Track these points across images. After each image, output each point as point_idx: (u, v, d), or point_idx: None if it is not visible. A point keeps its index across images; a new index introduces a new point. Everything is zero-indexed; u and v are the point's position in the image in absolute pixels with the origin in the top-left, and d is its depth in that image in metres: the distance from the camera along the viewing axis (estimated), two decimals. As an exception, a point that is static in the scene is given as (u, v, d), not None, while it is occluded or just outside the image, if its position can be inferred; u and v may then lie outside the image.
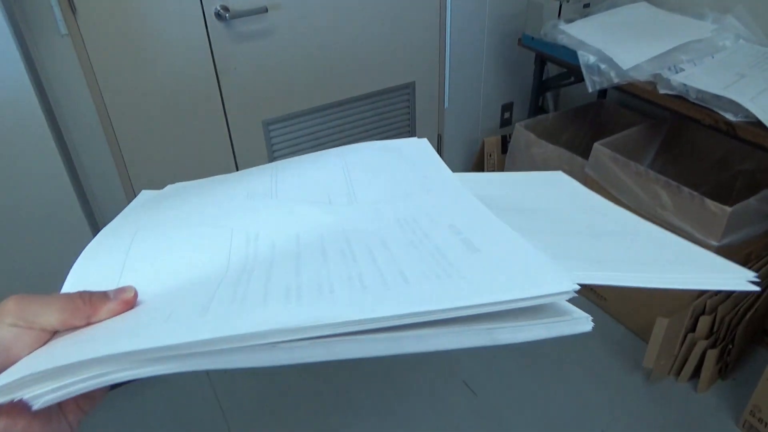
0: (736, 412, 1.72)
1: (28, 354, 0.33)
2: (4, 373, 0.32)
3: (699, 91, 1.62)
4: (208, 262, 0.41)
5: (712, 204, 1.63)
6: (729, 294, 1.74)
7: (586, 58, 1.85)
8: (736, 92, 1.54)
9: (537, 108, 2.36)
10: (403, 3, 2.06)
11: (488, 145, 2.49)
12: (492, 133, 2.59)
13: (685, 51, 1.79)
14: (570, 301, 0.32)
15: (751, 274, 0.39)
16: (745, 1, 1.87)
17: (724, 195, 1.96)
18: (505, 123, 2.63)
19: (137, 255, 0.42)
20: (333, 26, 1.95)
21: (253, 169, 0.57)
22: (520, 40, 2.16)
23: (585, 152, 2.01)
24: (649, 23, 1.95)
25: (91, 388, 0.31)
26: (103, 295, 0.36)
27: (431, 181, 0.51)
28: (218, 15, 1.70)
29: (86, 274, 0.40)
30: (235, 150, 1.97)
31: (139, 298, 0.37)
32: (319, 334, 0.31)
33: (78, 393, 0.31)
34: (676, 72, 1.72)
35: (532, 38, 2.07)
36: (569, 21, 1.97)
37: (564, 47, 1.92)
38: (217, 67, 1.79)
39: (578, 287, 0.32)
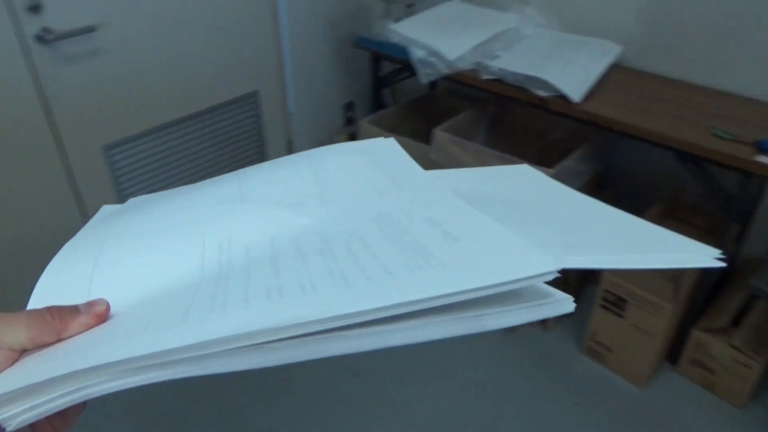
0: (580, 342, 2.01)
1: None
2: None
3: (514, 73, 1.86)
4: (181, 271, 0.39)
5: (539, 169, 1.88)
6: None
7: (416, 53, 2.02)
8: (544, 71, 1.79)
9: (377, 104, 2.50)
10: (236, 14, 2.08)
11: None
12: (339, 132, 2.69)
13: (499, 40, 2.03)
14: None
15: (716, 252, 0.40)
16: (539, -6, 2.17)
17: (547, 161, 2.25)
18: (350, 121, 2.75)
19: (106, 267, 0.40)
20: (166, 42, 1.91)
21: (220, 177, 0.55)
22: (355, 41, 2.28)
23: (426, 139, 2.18)
24: (465, 17, 2.18)
25: (69, 404, 0.30)
26: (73, 309, 0.34)
27: (403, 178, 0.50)
28: (40, 39, 1.58)
29: (52, 289, 0.38)
30: (77, 180, 1.84)
31: (112, 310, 0.35)
32: (305, 331, 0.30)
33: (55, 410, 0.29)
34: (493, 59, 1.95)
35: (366, 39, 2.20)
36: (397, 20, 2.13)
37: (395, 45, 2.08)
38: (47, 95, 1.66)
39: (561, 267, 0.32)
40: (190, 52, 1.99)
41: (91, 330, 0.34)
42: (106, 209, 0.52)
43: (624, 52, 2.03)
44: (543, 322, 2.09)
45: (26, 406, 0.29)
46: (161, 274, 0.39)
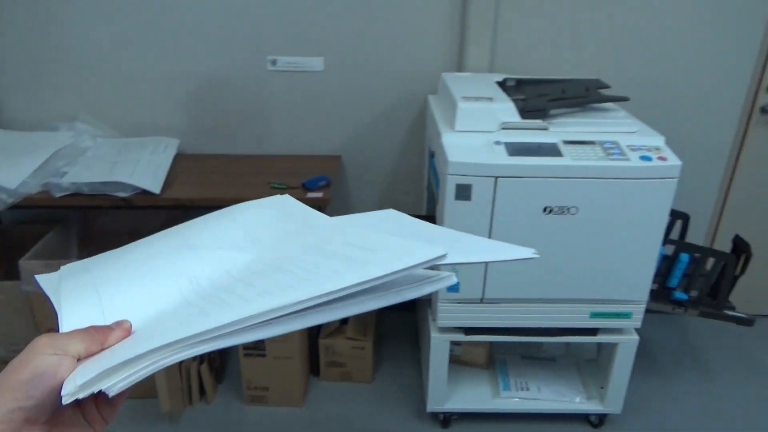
0: (241, 395, 2.20)
1: (69, 376, 0.42)
2: (77, 374, 0.41)
3: (88, 184, 1.93)
4: (167, 299, 0.52)
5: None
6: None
7: (-31, 190, 1.87)
8: (118, 175, 1.93)
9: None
10: None
11: None
12: None
13: (59, 157, 2.06)
14: None
15: (531, 250, 0.56)
16: (87, 109, 2.28)
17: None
18: None
19: (109, 301, 0.53)
20: None
21: (158, 234, 0.66)
22: None
23: (12, 275, 2.03)
24: (15, 145, 2.12)
25: (147, 375, 0.42)
26: (108, 327, 0.47)
27: (310, 221, 0.65)
28: None
29: (76, 318, 0.50)
30: None
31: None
32: (291, 310, 0.45)
33: (137, 381, 0.42)
34: (62, 176, 1.98)
35: None
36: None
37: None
38: None
39: (446, 252, 0.48)
40: None
41: (123, 340, 0.46)
42: (69, 267, 0.62)
43: (182, 143, 2.34)
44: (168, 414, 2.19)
45: (120, 377, 0.41)
46: (153, 303, 0.52)
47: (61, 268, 0.61)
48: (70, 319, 0.50)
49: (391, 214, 0.73)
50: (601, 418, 2.09)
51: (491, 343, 2.17)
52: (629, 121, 1.80)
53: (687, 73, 2.27)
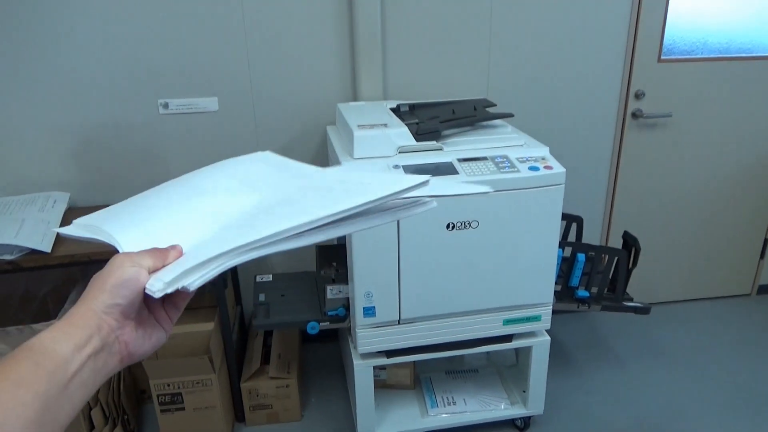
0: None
1: (151, 278, 0.53)
2: (162, 275, 0.53)
3: (-31, 250, 1.78)
4: (200, 232, 0.60)
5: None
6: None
7: None
8: (0, 236, 1.80)
9: None
10: None
11: None
12: None
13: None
14: None
15: (426, 177, 0.61)
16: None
17: (46, 315, 2.21)
18: None
19: (155, 233, 0.60)
20: None
21: (160, 186, 0.76)
22: None
23: None
24: None
25: (217, 273, 0.54)
26: (166, 249, 0.56)
27: (296, 170, 0.73)
28: None
29: (134, 241, 0.58)
30: None
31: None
32: (320, 223, 0.55)
33: (210, 278, 0.53)
34: (-63, 244, 1.81)
35: None
36: None
37: None
38: None
39: (429, 179, 0.59)
40: None
41: (181, 257, 0.56)
42: (93, 216, 0.68)
43: (74, 196, 2.22)
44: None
45: (198, 275, 0.53)
46: (189, 234, 0.60)
47: (82, 218, 0.67)
48: (128, 244, 0.58)
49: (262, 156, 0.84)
50: (526, 421, 2.16)
51: (414, 363, 2.19)
52: (515, 135, 1.92)
53: (564, 85, 2.45)
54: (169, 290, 0.52)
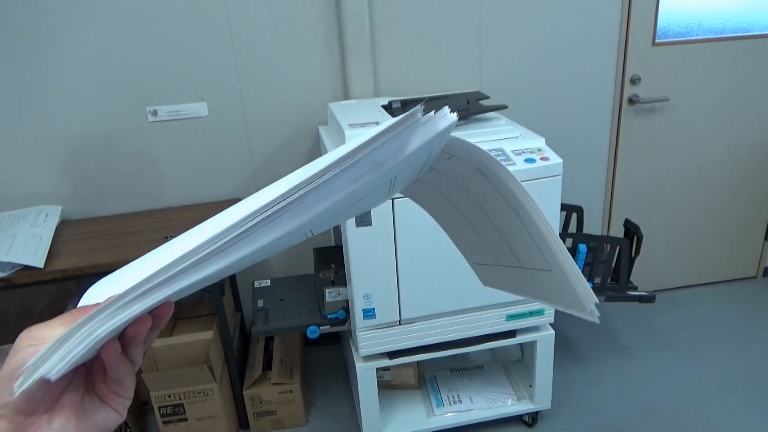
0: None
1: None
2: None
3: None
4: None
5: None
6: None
7: None
8: (-7, 254, 1.77)
9: None
10: None
11: None
12: None
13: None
14: None
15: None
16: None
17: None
18: None
19: (122, 282, 0.43)
20: None
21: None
22: None
23: None
24: None
25: (82, 351, 0.37)
26: (96, 305, 0.40)
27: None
28: None
29: (94, 298, 0.43)
30: None
31: None
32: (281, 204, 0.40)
33: (73, 361, 0.37)
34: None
35: None
36: None
37: None
38: None
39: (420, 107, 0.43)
40: None
41: None
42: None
43: (66, 209, 2.19)
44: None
45: (57, 357, 0.37)
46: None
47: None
48: (86, 299, 0.46)
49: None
50: (534, 416, 2.13)
51: (418, 363, 2.16)
52: (510, 127, 1.88)
53: (558, 74, 2.41)
54: (20, 389, 0.37)
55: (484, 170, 0.51)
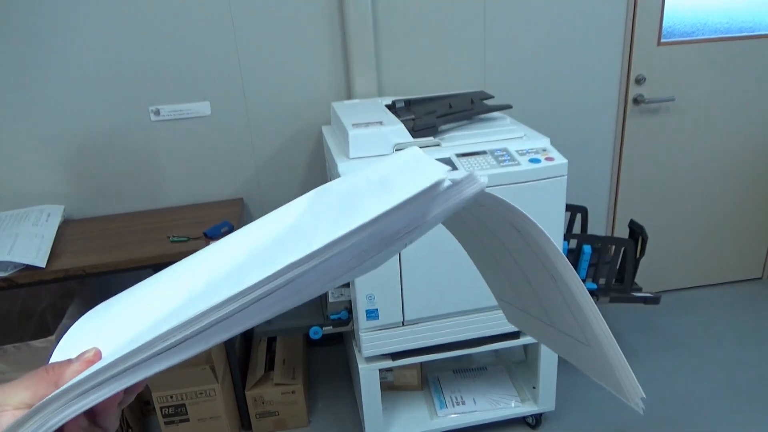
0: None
1: None
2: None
3: (-37, 268, 1.75)
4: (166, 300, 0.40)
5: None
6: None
7: None
8: (-5, 254, 1.77)
9: None
10: None
11: None
12: None
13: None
14: None
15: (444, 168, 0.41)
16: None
17: (45, 331, 2.18)
18: None
19: (108, 326, 0.42)
20: None
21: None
22: None
23: None
24: None
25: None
26: (66, 361, 0.37)
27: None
28: None
29: (65, 352, 0.40)
30: None
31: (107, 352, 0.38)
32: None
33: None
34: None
35: None
36: None
37: None
38: None
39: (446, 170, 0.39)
40: None
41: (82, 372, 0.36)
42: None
43: (68, 208, 2.19)
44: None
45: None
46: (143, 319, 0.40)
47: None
48: (56, 355, 0.41)
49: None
50: (538, 418, 2.12)
51: (421, 364, 2.15)
52: (515, 127, 1.87)
53: (562, 74, 2.40)
54: None
55: (519, 228, 0.46)
